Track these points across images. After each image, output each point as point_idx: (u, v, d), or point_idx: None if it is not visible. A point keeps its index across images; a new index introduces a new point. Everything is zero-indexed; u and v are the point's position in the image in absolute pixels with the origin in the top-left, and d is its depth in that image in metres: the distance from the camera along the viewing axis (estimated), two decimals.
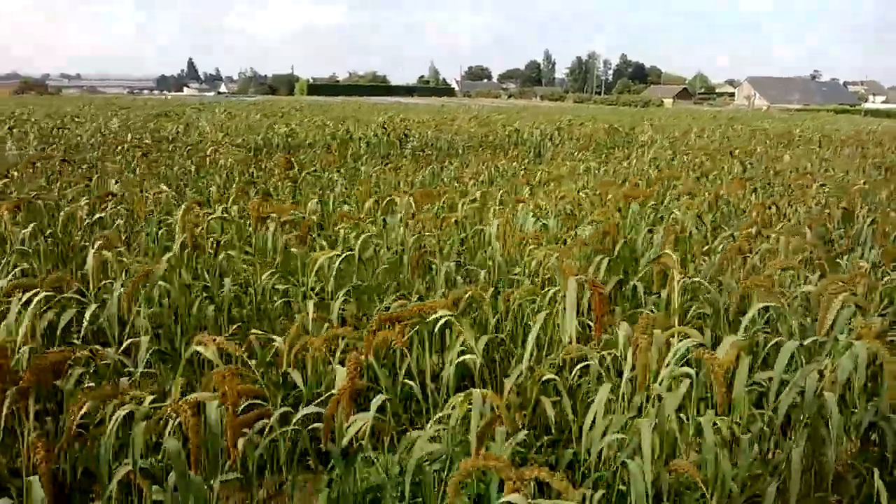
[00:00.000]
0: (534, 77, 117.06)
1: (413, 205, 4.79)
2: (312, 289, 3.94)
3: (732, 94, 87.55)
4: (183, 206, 4.18)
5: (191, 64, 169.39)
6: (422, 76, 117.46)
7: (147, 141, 10.45)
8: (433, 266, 4.16)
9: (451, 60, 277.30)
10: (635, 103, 71.49)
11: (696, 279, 3.55)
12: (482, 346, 3.09)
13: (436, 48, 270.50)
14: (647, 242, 4.28)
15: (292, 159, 7.61)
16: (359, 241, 3.99)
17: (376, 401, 2.42)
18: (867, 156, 11.12)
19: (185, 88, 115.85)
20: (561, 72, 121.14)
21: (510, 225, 4.38)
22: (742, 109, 56.17)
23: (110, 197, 4.79)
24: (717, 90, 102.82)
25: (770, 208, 5.17)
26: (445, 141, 12.35)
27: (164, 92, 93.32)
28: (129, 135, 11.44)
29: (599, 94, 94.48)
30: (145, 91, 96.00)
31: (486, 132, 14.03)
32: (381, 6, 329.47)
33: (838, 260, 4.28)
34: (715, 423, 2.32)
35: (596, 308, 2.91)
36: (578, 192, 5.59)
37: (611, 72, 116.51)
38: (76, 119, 15.24)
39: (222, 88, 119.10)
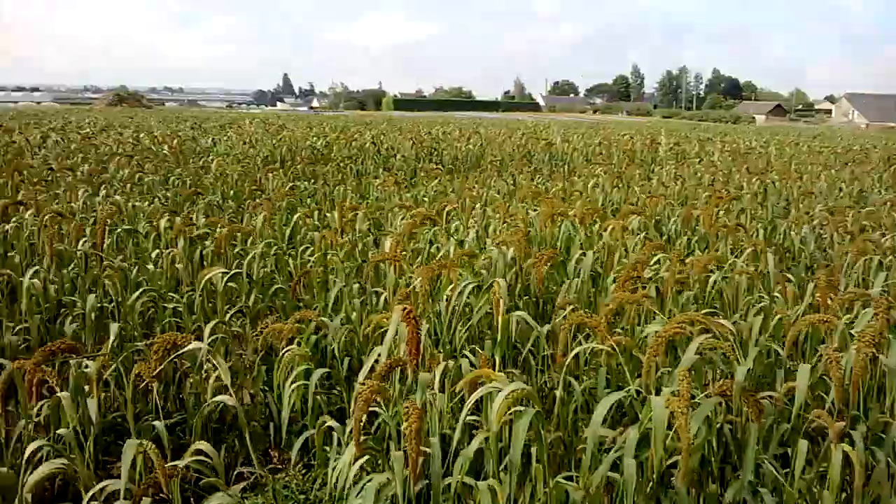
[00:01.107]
0: (622, 92, 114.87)
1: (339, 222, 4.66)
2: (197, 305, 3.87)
3: (829, 112, 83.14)
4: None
5: (286, 79, 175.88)
6: (507, 91, 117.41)
7: (165, 150, 10.73)
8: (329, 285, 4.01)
9: (538, 75, 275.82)
10: (725, 119, 69.10)
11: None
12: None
13: (524, 64, 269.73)
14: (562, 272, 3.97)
15: (266, 175, 7.63)
16: (248, 258, 3.90)
17: None
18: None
19: (278, 103, 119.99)
20: (650, 86, 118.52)
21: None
22: (833, 127, 53.20)
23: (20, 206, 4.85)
24: (816, 107, 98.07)
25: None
26: (474, 155, 12.16)
27: (261, 106, 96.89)
28: (152, 144, 11.81)
29: (690, 108, 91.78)
30: (243, 105, 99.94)
31: (522, 146, 13.73)
32: (470, 23, 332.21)
33: None
34: None
35: (409, 342, 2.66)
36: (528, 210, 5.28)
37: (703, 86, 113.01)
38: (119, 129, 15.85)
39: (314, 103, 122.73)
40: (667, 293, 3.30)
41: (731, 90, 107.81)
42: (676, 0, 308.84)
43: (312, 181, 8.43)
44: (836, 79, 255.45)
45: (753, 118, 69.98)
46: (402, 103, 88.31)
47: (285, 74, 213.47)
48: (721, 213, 5.70)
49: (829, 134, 31.86)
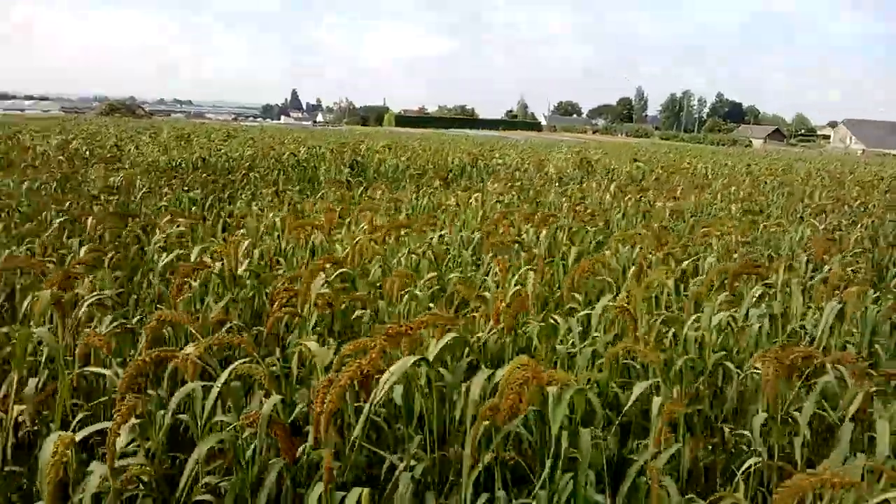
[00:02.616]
0: (625, 113, 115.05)
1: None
2: None
3: (828, 137, 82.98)
4: None
5: (294, 93, 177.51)
6: (510, 110, 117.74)
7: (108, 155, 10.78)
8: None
9: (542, 96, 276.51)
10: (722, 143, 69.05)
11: None
12: None
13: (530, 84, 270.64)
14: None
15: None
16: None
17: None
18: None
19: (283, 117, 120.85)
20: (654, 109, 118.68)
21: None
22: (824, 152, 53.04)
23: None
24: (818, 132, 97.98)
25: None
26: (402, 170, 12.11)
27: (267, 120, 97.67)
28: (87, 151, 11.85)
29: (691, 131, 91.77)
30: (250, 119, 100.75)
31: (475, 161, 13.69)
32: (480, 43, 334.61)
33: None
34: None
35: None
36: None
37: (706, 110, 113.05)
38: (79, 137, 15.90)
39: (319, 118, 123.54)
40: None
41: (734, 114, 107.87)
42: (686, 25, 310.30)
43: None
44: (842, 105, 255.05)
45: (751, 142, 69.84)
46: (403, 120, 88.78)
47: (294, 90, 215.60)
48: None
49: (801, 158, 31.63)
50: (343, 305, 2.94)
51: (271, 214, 6.10)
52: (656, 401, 2.43)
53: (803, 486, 1.50)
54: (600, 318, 3.45)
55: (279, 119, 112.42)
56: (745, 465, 2.55)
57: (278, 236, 4.83)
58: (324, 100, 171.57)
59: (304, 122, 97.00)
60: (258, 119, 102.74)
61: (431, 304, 3.62)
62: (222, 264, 3.70)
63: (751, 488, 2.66)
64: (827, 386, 3.43)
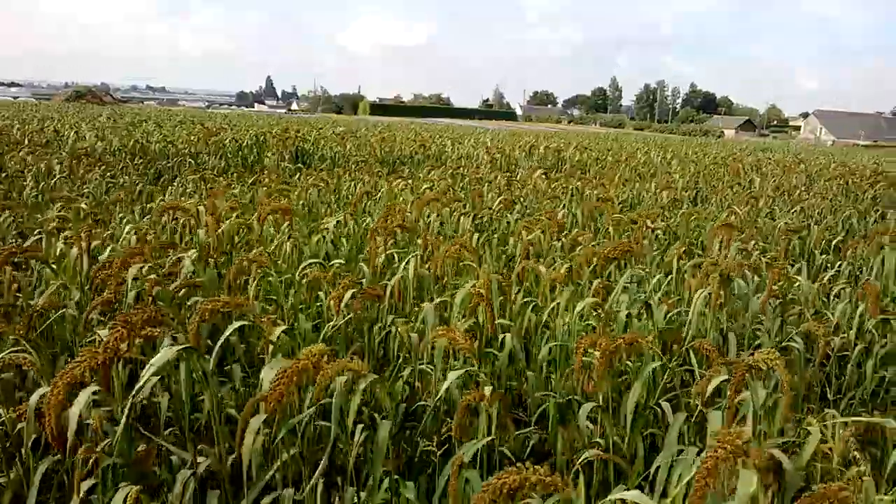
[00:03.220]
0: (599, 103, 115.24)
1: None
2: None
3: (798, 128, 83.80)
4: None
5: (269, 81, 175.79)
6: (486, 100, 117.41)
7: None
8: None
9: (519, 85, 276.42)
10: (694, 133, 69.43)
11: None
12: None
13: (506, 74, 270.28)
14: None
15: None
16: None
17: None
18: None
19: (257, 105, 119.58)
20: (628, 99, 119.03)
21: None
22: (790, 143, 53.59)
23: None
24: (791, 123, 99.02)
25: None
26: (343, 157, 11.94)
27: (241, 108, 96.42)
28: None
29: (666, 122, 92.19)
30: (224, 106, 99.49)
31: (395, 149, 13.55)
32: (455, 33, 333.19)
33: None
34: None
35: None
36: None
37: (679, 101, 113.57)
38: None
39: (294, 106, 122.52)
40: None
41: (707, 105, 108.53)
42: (663, 15, 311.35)
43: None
44: (815, 96, 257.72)
45: (722, 132, 70.30)
46: (378, 108, 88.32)
47: (268, 77, 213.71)
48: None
49: (761, 147, 31.80)
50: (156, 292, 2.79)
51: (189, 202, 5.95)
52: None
53: None
54: (462, 303, 3.36)
55: (253, 107, 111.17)
56: (582, 458, 2.46)
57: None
58: (300, 88, 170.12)
59: (279, 110, 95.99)
60: (232, 106, 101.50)
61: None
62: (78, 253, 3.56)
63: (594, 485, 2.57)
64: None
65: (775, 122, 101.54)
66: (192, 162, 9.93)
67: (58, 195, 6.11)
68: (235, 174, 9.02)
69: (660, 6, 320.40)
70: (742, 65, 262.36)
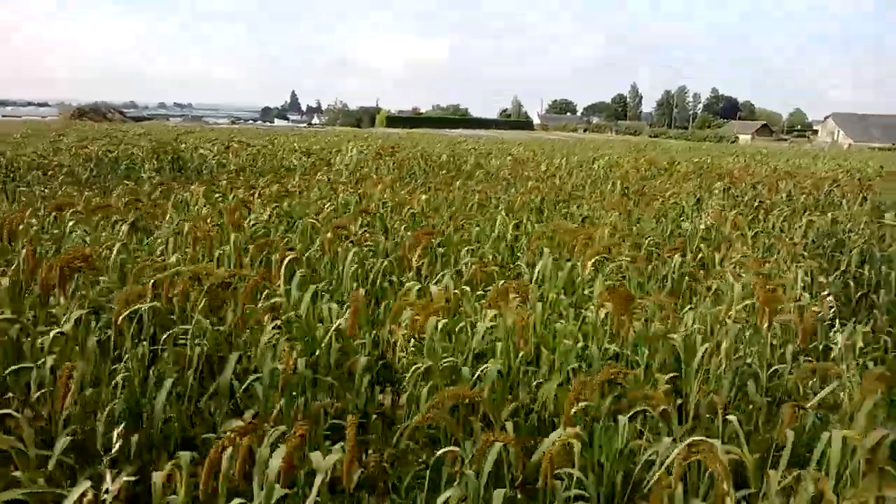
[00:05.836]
0: (619, 111, 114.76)
1: None
2: None
3: (816, 132, 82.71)
4: None
5: (294, 96, 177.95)
6: (504, 110, 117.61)
7: None
8: None
9: (537, 94, 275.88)
10: (710, 138, 68.91)
11: None
12: None
13: (525, 83, 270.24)
14: None
15: None
16: None
17: None
18: None
19: (276, 120, 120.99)
20: (649, 106, 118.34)
21: None
22: (805, 147, 52.82)
23: None
24: (814, 127, 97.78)
25: None
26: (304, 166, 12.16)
27: (266, 123, 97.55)
28: None
29: (686, 128, 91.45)
30: (250, 122, 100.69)
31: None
32: (476, 45, 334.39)
33: None
34: None
35: None
36: None
37: (700, 106, 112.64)
38: None
39: (315, 120, 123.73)
40: None
41: (729, 110, 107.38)
42: (684, 22, 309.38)
43: None
44: (841, 99, 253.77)
45: (737, 137, 69.66)
46: (395, 120, 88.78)
47: (293, 92, 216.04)
48: None
49: (766, 152, 31.34)
50: None
51: None
52: None
53: None
54: None
55: (274, 122, 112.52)
56: None
57: None
58: (324, 102, 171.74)
59: (301, 125, 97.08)
60: (256, 122, 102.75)
61: None
62: None
63: None
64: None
65: (798, 127, 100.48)
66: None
67: None
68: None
69: (685, 16, 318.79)
70: (767, 70, 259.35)
